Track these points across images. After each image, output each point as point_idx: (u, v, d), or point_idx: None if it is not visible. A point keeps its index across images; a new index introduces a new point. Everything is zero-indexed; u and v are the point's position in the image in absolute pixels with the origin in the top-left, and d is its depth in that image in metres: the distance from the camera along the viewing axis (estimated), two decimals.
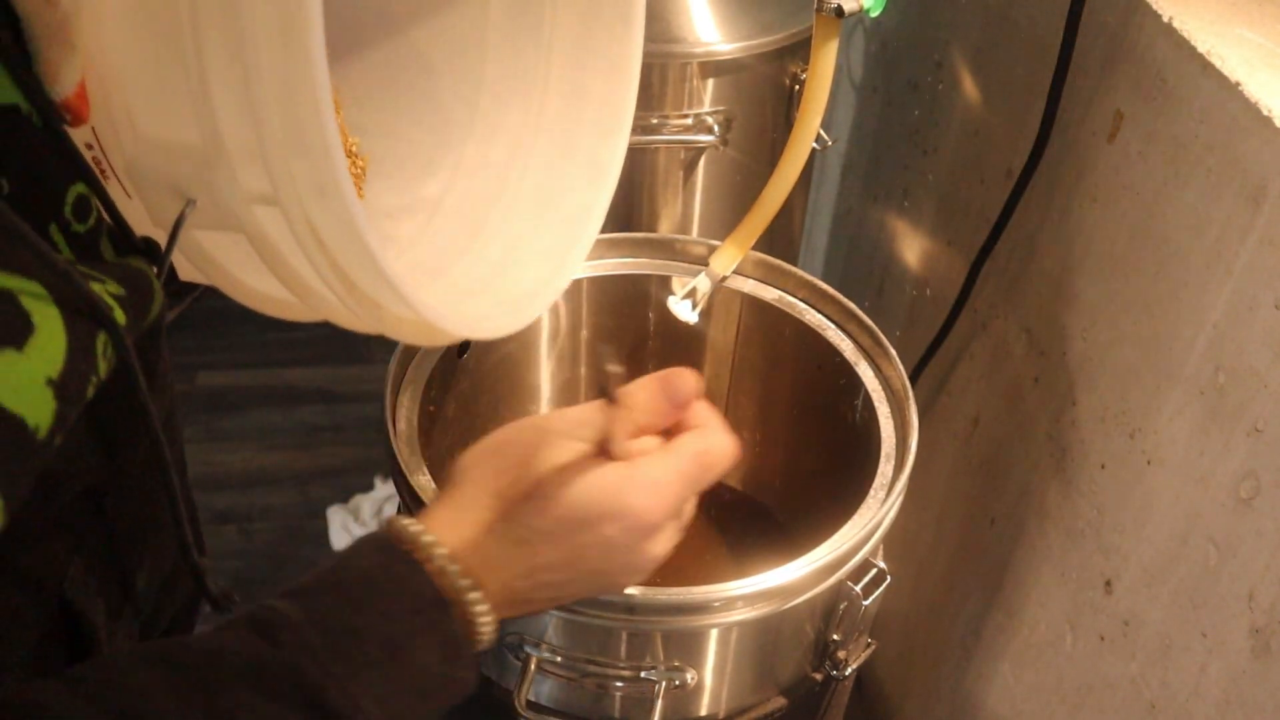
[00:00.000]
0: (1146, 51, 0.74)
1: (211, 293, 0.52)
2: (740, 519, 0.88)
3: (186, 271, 0.50)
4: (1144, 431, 0.77)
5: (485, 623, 0.48)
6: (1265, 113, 0.63)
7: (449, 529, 0.49)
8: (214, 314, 2.15)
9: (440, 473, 0.79)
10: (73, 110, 0.38)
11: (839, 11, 0.68)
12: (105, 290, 0.38)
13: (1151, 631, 0.77)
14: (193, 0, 0.39)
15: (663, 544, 0.51)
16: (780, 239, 1.06)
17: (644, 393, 0.53)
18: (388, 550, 0.47)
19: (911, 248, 1.15)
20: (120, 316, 0.38)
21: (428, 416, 0.73)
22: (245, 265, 0.51)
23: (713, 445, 0.52)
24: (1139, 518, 0.78)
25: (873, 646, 0.69)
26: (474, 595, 0.47)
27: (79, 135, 0.44)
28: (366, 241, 0.41)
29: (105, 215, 0.42)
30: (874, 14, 0.69)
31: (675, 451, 0.51)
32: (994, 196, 0.94)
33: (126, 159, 0.44)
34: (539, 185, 0.67)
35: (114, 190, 0.50)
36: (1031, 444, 0.92)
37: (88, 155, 0.49)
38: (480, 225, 0.65)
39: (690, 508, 0.53)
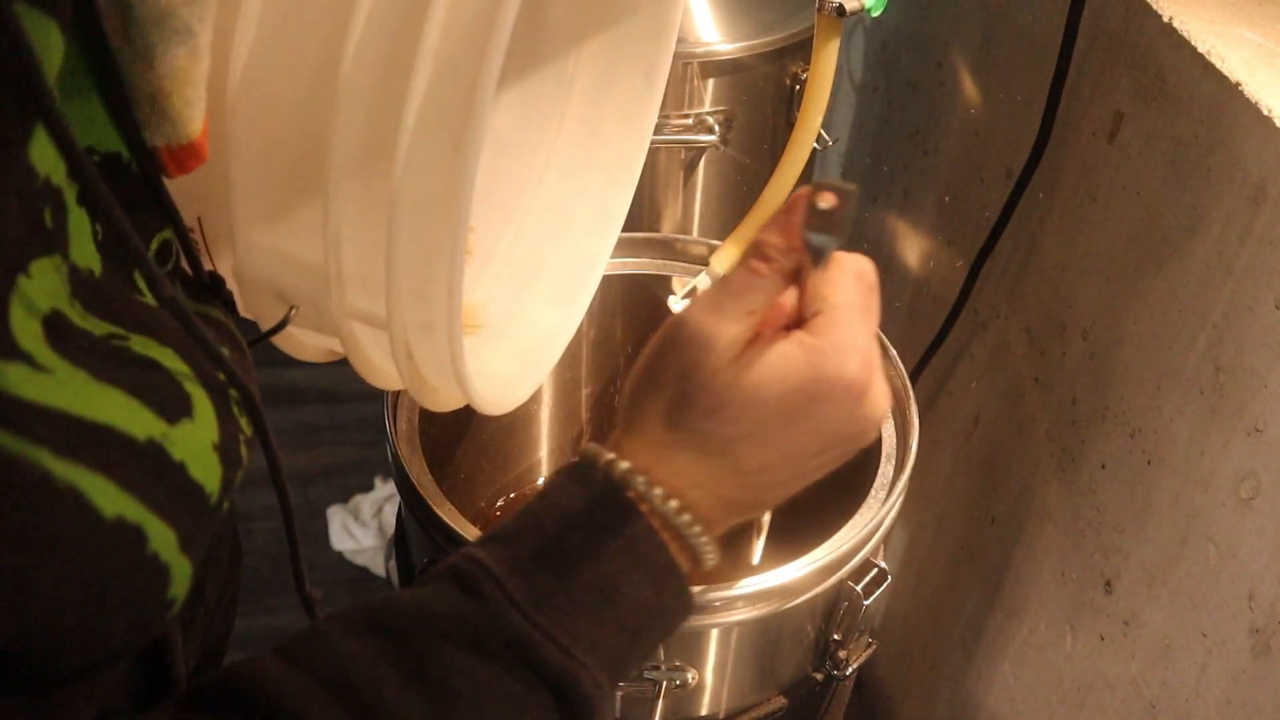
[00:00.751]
0: (1147, 52, 0.74)
1: None
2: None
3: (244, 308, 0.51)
4: (1144, 431, 0.77)
5: (703, 542, 0.44)
6: (1265, 113, 0.63)
7: (639, 452, 0.44)
8: None
9: (440, 471, 0.79)
10: (164, 162, 0.38)
11: (840, 11, 0.68)
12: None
13: (1152, 631, 0.77)
14: (343, 157, 0.40)
15: (881, 397, 0.45)
16: None
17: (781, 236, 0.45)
18: (586, 483, 0.44)
19: (911, 248, 1.15)
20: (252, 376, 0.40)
21: (428, 415, 0.73)
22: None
23: (860, 265, 0.45)
24: (1139, 518, 0.78)
25: (873, 646, 0.69)
26: (684, 518, 0.43)
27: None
28: (464, 371, 0.44)
29: (184, 259, 0.43)
30: (875, 14, 0.69)
31: (840, 294, 0.43)
32: (994, 196, 0.94)
33: (237, 258, 0.45)
34: (545, 224, 0.67)
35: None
36: (1031, 444, 0.92)
37: (188, 237, 0.50)
38: (488, 258, 0.65)
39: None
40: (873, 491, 0.66)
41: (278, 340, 0.54)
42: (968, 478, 1.05)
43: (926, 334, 1.03)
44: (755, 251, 0.44)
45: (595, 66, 0.66)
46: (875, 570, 0.64)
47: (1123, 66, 0.77)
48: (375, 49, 0.40)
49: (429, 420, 0.73)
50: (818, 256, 0.40)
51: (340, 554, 1.60)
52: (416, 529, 0.66)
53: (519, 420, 0.89)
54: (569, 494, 0.44)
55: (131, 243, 0.34)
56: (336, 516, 1.62)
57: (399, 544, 0.76)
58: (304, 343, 0.54)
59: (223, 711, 0.37)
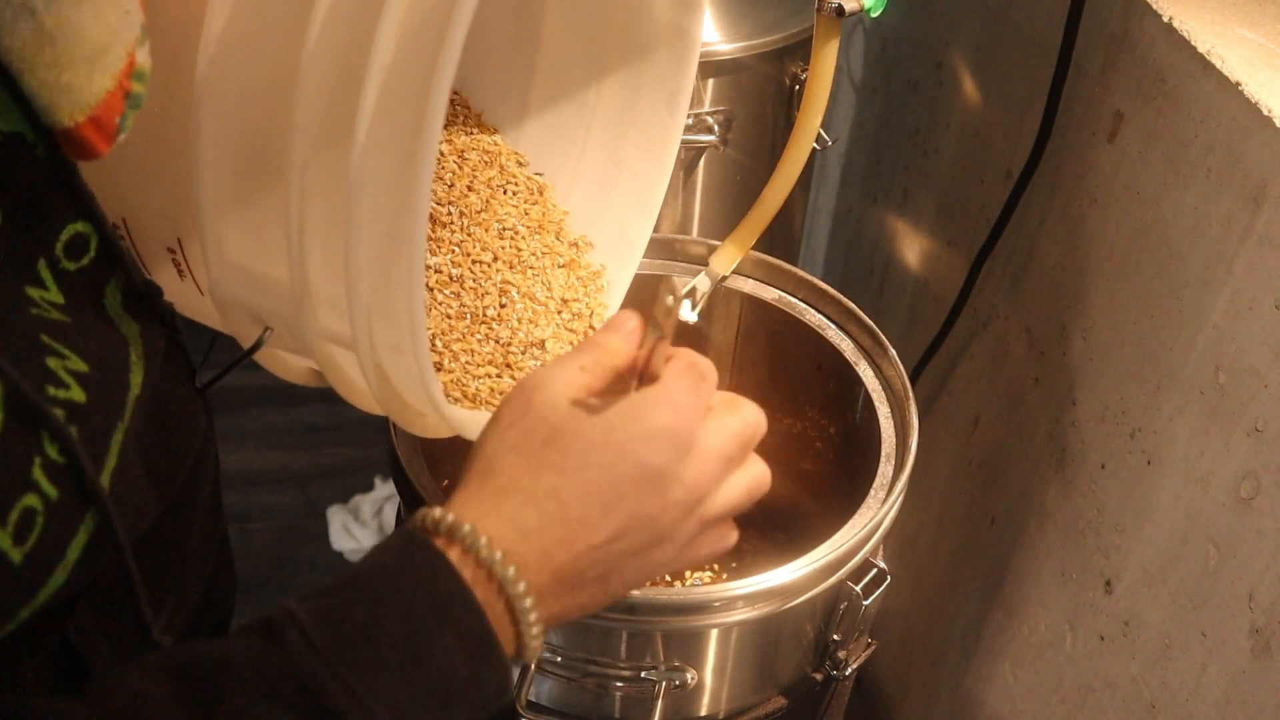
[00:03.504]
0: (1147, 52, 0.74)
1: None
2: (741, 519, 0.88)
3: (189, 309, 0.51)
4: (1144, 431, 0.77)
5: (527, 608, 0.43)
6: (1265, 113, 0.63)
7: (471, 504, 0.44)
8: None
9: (440, 471, 0.79)
10: (78, 142, 0.37)
11: (840, 11, 0.68)
12: (64, 366, 0.38)
13: (1152, 631, 0.77)
14: (301, 172, 0.41)
15: (720, 501, 0.46)
16: (780, 239, 1.06)
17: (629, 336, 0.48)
18: (408, 540, 0.42)
19: (912, 248, 1.15)
20: (78, 394, 0.38)
21: None
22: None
23: (692, 357, 0.47)
24: (1139, 517, 0.78)
25: (873, 646, 0.69)
26: (509, 572, 0.42)
27: (151, 228, 0.45)
28: (431, 390, 0.45)
29: (144, 269, 0.42)
30: (874, 14, 0.69)
31: (670, 376, 0.46)
32: (994, 196, 0.94)
33: (212, 279, 0.46)
34: None
35: (187, 286, 0.51)
36: (1031, 444, 0.92)
37: (166, 257, 0.49)
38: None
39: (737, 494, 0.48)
40: (872, 492, 0.66)
41: (264, 362, 0.54)
42: (967, 478, 1.05)
43: (927, 334, 1.03)
44: (615, 322, 0.47)
45: (617, 93, 0.65)
46: (875, 570, 0.64)
47: (1123, 66, 0.77)
48: (329, 61, 0.40)
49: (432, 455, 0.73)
50: (656, 338, 0.45)
51: (341, 554, 1.60)
52: None
53: None
54: (392, 553, 0.43)
55: None
56: (337, 516, 1.62)
57: None
58: (289, 364, 0.54)
59: None
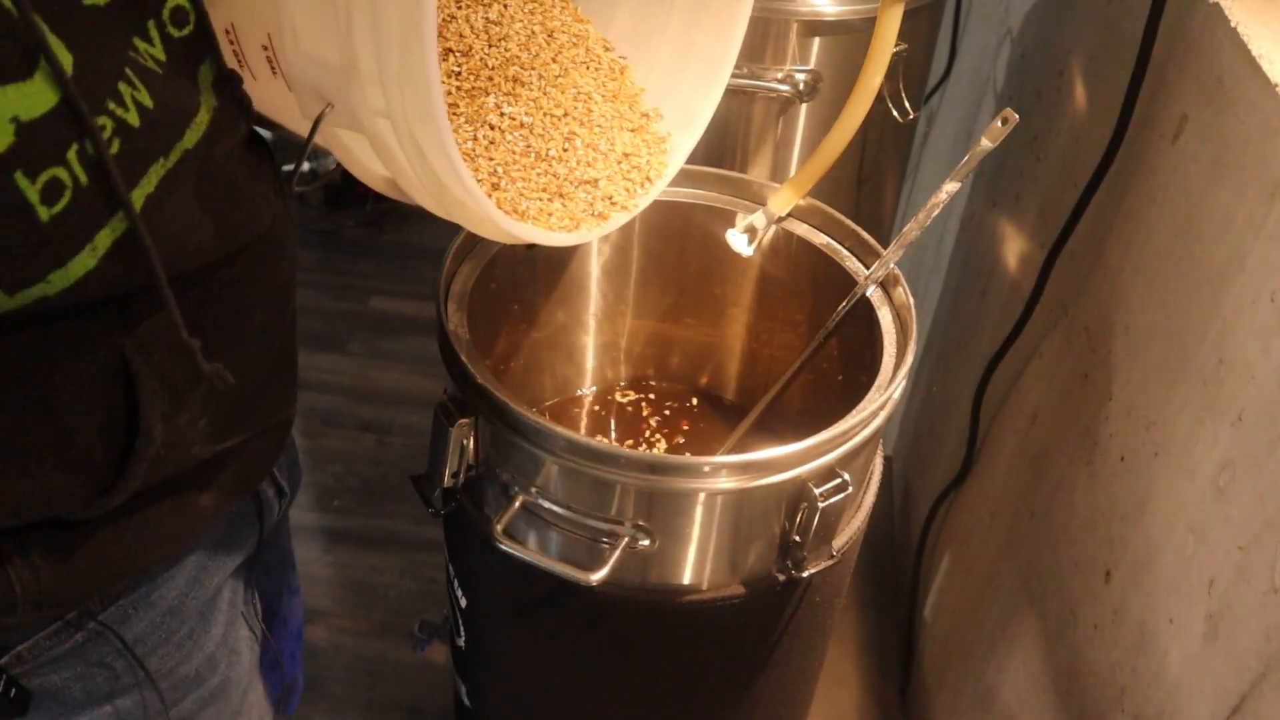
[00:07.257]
0: (1214, 56, 0.76)
1: (394, 227, 0.61)
2: (759, 426, 0.94)
3: (261, 103, 0.60)
4: (1157, 424, 0.79)
5: None
6: None
7: None
8: (395, 248, 2.33)
9: (493, 351, 0.87)
10: None
11: None
12: (133, 95, 0.44)
13: (1133, 620, 0.79)
14: None
15: None
16: (869, 214, 1.11)
17: None
18: None
19: (1012, 251, 1.17)
20: (134, 119, 0.44)
21: (489, 293, 0.82)
22: (362, 148, 0.62)
23: None
24: (1140, 508, 0.80)
25: (835, 560, 0.74)
26: None
27: (250, 29, 0.55)
28: (453, 159, 0.54)
29: (240, 50, 0.51)
30: None
31: None
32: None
33: (287, 64, 0.57)
34: None
35: (277, 82, 0.60)
36: (1071, 439, 0.94)
37: (261, 54, 0.60)
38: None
39: None
40: (852, 412, 0.71)
41: (347, 164, 0.63)
42: (1019, 474, 1.07)
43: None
44: None
45: None
46: (838, 480, 0.69)
47: (1193, 71, 0.79)
48: None
49: (487, 297, 0.82)
50: None
51: None
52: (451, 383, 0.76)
53: (565, 337, 0.97)
54: None
55: None
56: None
57: None
58: (367, 169, 0.64)
59: None
